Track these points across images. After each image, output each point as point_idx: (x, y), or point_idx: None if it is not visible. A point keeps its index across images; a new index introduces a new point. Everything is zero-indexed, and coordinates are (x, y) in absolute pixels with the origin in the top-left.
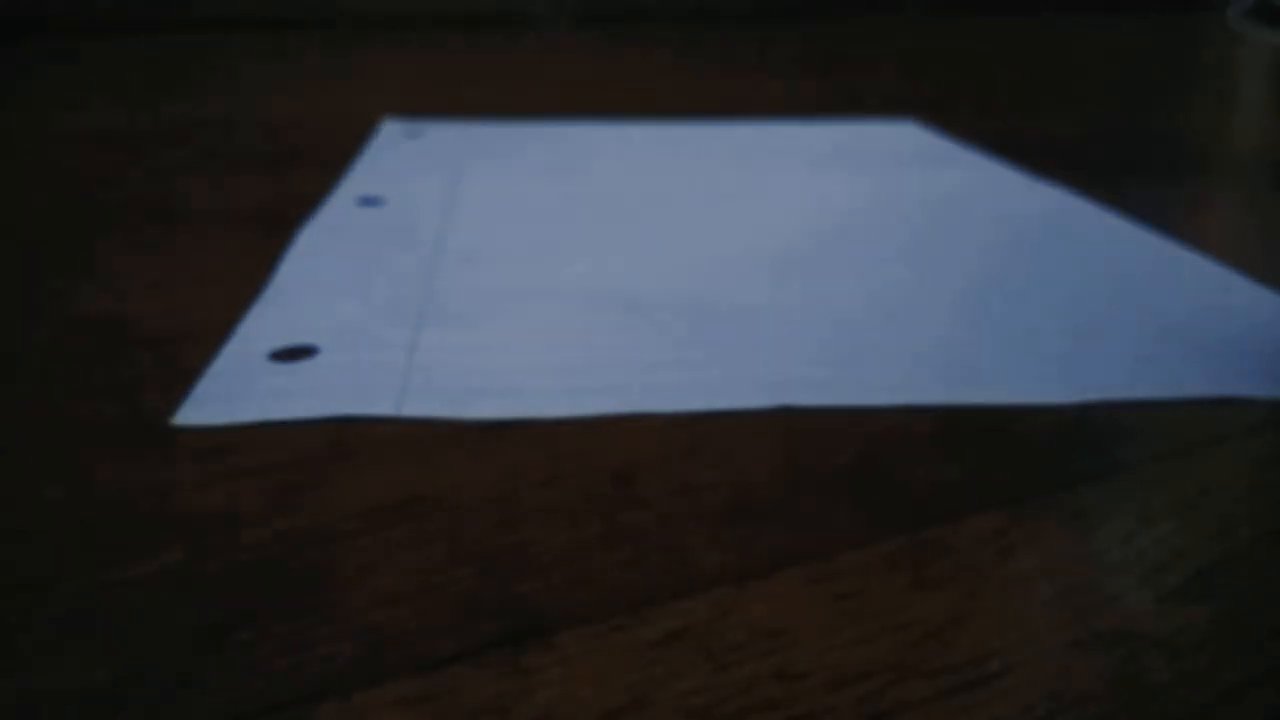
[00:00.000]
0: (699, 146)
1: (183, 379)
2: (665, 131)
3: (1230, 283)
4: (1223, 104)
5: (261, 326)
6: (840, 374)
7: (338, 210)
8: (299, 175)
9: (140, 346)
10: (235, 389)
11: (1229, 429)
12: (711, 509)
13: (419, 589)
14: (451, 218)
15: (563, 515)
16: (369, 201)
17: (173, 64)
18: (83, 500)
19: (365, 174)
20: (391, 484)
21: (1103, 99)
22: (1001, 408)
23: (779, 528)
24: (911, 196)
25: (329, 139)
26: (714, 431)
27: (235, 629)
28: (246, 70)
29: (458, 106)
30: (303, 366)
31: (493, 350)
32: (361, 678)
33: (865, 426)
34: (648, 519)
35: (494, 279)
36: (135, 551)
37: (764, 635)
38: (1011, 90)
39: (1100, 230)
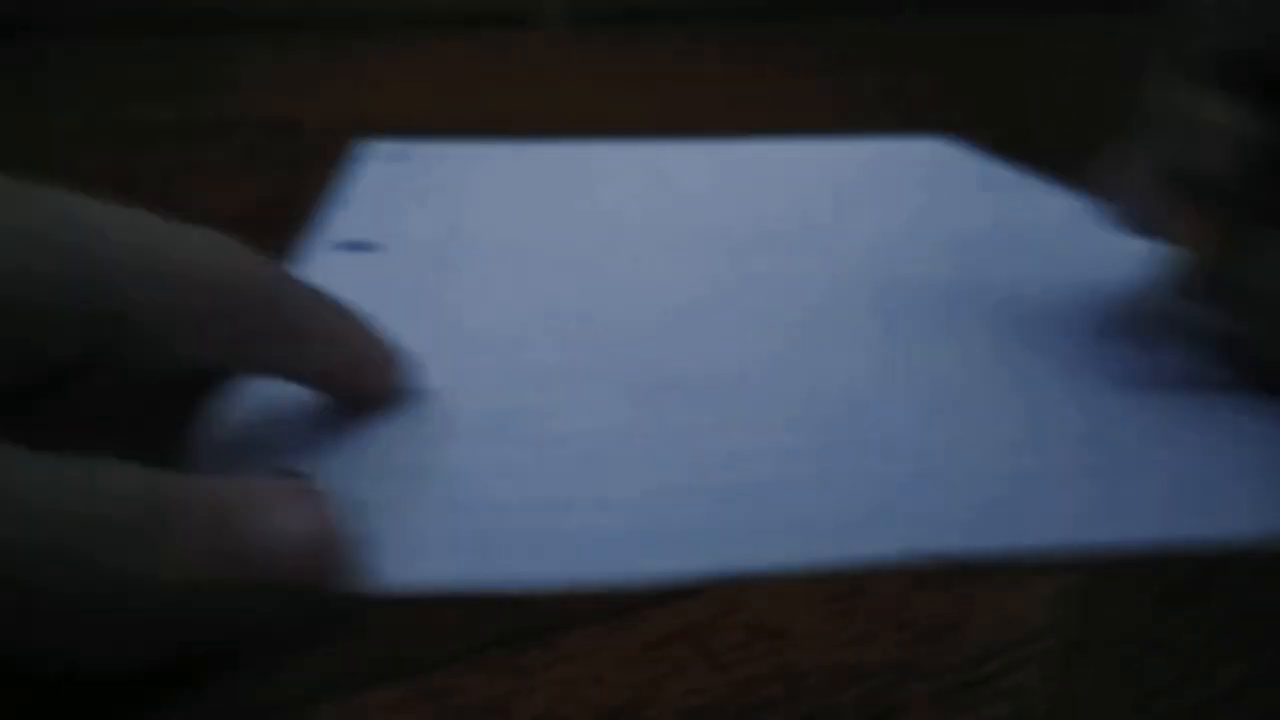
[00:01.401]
0: (718, 173)
1: None
2: (679, 153)
3: None
4: None
5: (220, 442)
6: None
7: (320, 260)
8: (298, 177)
9: None
10: None
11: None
12: None
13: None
14: (456, 272)
15: None
16: (356, 246)
17: (171, 64)
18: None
19: (349, 209)
20: None
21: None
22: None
23: None
24: (967, 237)
25: (332, 139)
26: None
27: None
28: (244, 70)
29: (456, 108)
30: None
31: (529, 475)
32: (361, 678)
33: None
34: None
35: (516, 359)
36: None
37: (764, 635)
38: (1052, 101)
39: None
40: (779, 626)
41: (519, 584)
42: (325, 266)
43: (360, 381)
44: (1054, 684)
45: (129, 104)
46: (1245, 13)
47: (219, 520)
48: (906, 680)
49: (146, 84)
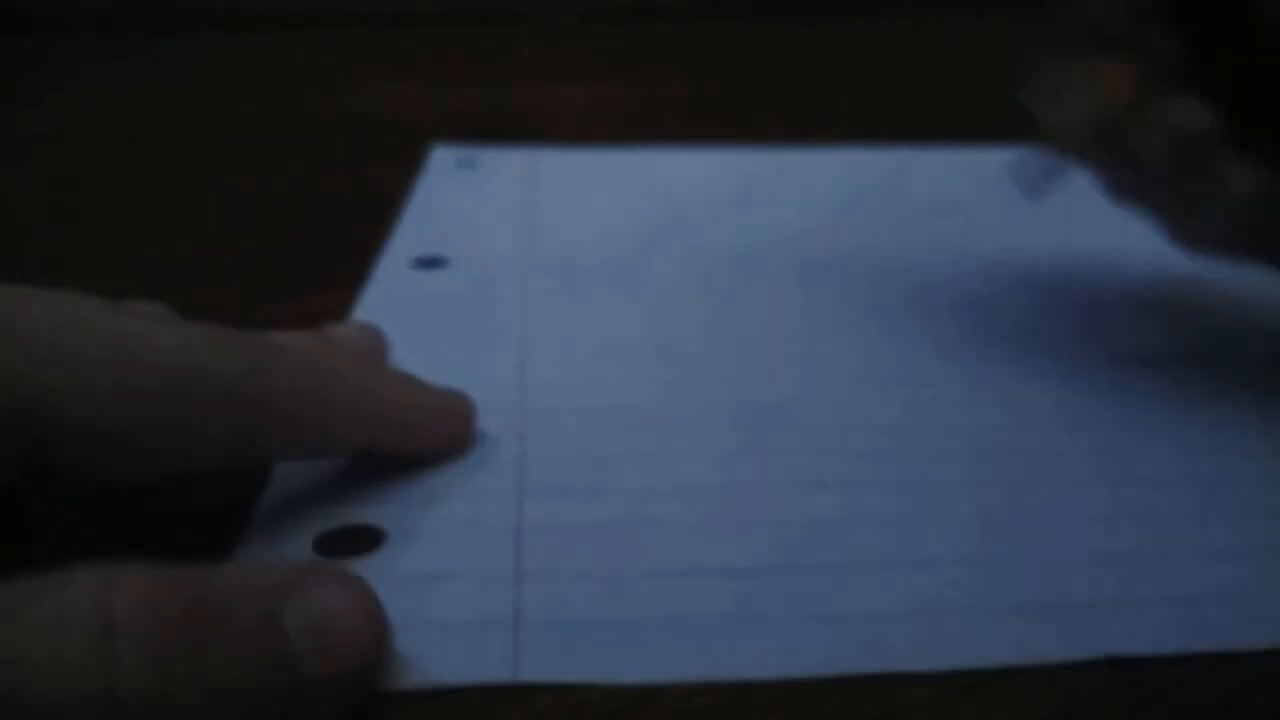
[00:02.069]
0: (788, 183)
1: None
2: (750, 160)
3: None
4: None
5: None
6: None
7: (393, 276)
8: (311, 177)
9: None
10: None
11: None
12: None
13: None
14: (533, 288)
15: None
16: (428, 263)
17: (167, 64)
18: None
19: (421, 221)
20: None
21: None
22: None
23: None
24: (1061, 255)
25: (356, 140)
26: None
27: None
28: (252, 69)
29: (492, 108)
30: (370, 568)
31: (620, 540)
32: None
33: None
34: None
35: (602, 393)
36: None
37: None
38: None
39: None
40: None
41: (653, 678)
42: (399, 283)
43: (391, 447)
44: (1054, 685)
45: (133, 106)
46: None
47: (264, 621)
48: (906, 681)
49: (151, 86)
